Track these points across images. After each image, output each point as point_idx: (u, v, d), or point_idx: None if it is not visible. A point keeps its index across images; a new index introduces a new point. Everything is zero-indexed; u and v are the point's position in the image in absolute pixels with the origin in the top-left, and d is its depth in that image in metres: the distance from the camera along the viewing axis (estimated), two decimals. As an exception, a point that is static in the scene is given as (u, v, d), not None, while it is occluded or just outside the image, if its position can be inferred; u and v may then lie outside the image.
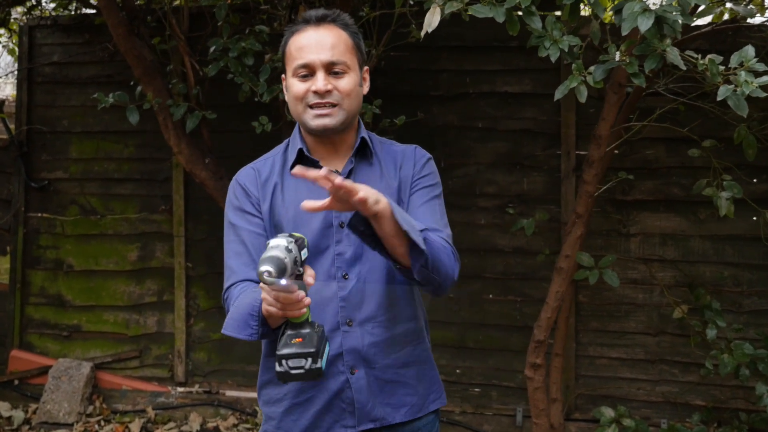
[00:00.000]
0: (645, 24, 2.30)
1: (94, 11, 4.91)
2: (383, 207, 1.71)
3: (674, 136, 4.11)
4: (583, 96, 2.61)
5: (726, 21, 3.86)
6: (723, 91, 2.41)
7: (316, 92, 1.93)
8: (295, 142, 2.07)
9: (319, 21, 1.98)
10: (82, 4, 4.91)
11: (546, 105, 4.44)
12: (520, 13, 2.63)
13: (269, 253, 1.57)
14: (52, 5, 5.09)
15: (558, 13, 3.77)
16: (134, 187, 5.06)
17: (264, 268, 1.53)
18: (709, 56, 2.52)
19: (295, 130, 2.09)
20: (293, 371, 1.64)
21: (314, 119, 1.95)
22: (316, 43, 1.95)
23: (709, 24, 3.74)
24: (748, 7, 3.34)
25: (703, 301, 3.95)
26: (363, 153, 2.06)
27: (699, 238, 4.28)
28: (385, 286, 1.99)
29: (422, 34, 2.63)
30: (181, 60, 4.43)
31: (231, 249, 2.04)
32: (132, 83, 4.41)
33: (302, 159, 2.03)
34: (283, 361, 1.64)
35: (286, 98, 2.05)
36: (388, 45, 3.90)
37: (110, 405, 4.97)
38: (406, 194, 2.06)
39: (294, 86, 1.97)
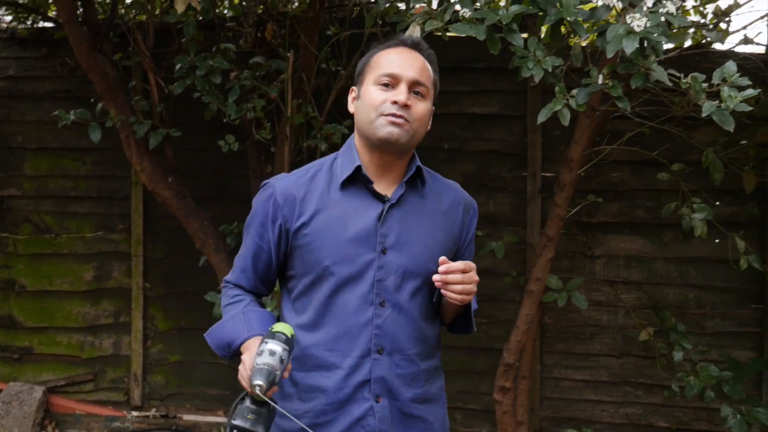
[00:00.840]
0: (630, 46, 2.31)
1: (52, 25, 4.79)
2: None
3: (639, 159, 4.15)
4: (566, 119, 2.60)
5: (691, 46, 3.92)
6: (708, 107, 2.42)
7: (395, 102, 1.93)
8: (351, 157, 2.04)
9: (413, 46, 2.04)
10: (40, 17, 4.78)
11: (513, 126, 4.45)
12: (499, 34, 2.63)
13: (264, 361, 1.75)
14: (9, 18, 4.95)
15: (525, 35, 3.79)
16: (91, 205, 4.93)
17: (257, 381, 1.71)
18: (691, 74, 2.54)
19: (350, 145, 2.07)
20: None
21: (385, 126, 1.94)
22: (408, 60, 1.99)
23: (674, 48, 3.78)
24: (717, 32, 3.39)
25: (668, 323, 3.98)
26: (414, 182, 2.06)
27: (663, 260, 4.32)
28: (418, 321, 2.01)
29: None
30: (143, 76, 4.36)
31: (244, 246, 2.12)
32: (92, 100, 4.32)
33: (354, 176, 2.01)
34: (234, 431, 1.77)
35: (353, 108, 2.05)
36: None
37: (63, 430, 4.81)
38: (462, 241, 2.16)
39: (372, 93, 1.96)
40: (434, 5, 2.76)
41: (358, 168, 1.99)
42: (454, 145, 4.50)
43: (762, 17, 3.82)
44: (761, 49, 4.04)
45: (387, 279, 1.97)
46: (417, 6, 2.68)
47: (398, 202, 2.01)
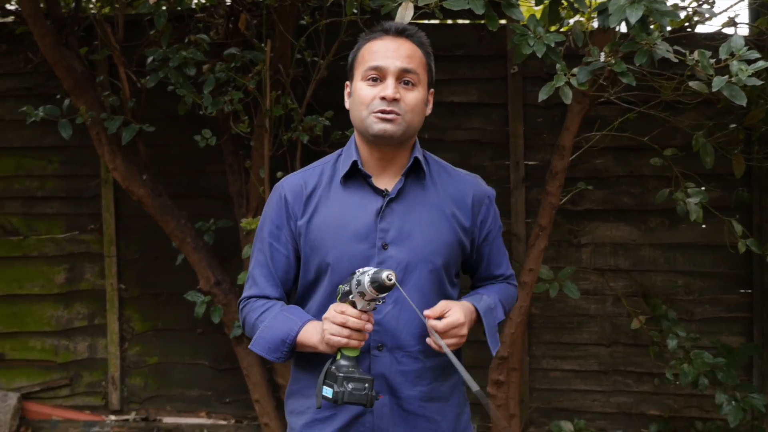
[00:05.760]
0: (634, 16, 2.24)
1: (12, 20, 4.59)
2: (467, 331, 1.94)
3: (621, 146, 4.10)
4: (568, 97, 2.53)
5: (674, 30, 3.85)
6: (717, 82, 2.36)
7: (383, 98, 1.90)
8: (349, 152, 2.02)
9: (399, 33, 1.98)
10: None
11: (493, 115, 4.36)
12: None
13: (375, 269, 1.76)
14: (-34, 13, 4.75)
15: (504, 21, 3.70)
16: (60, 205, 4.75)
17: (388, 272, 1.70)
18: (698, 50, 2.48)
19: (351, 140, 2.06)
20: (355, 392, 1.77)
21: (377, 123, 1.91)
22: (392, 50, 1.93)
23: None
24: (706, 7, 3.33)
25: (659, 311, 3.92)
26: (416, 173, 2.02)
27: (650, 246, 4.26)
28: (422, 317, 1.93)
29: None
30: (109, 71, 4.21)
31: (256, 257, 2.06)
32: (58, 96, 4.16)
33: (354, 171, 2.00)
34: (345, 383, 1.77)
35: (348, 104, 2.02)
36: (337, 54, 3.75)
37: (39, 438, 4.67)
38: (477, 234, 2.13)
39: (361, 90, 1.94)
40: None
41: (355, 163, 1.98)
42: (434, 135, 4.40)
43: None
44: (744, 31, 3.98)
45: None
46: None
47: (399, 195, 1.99)
